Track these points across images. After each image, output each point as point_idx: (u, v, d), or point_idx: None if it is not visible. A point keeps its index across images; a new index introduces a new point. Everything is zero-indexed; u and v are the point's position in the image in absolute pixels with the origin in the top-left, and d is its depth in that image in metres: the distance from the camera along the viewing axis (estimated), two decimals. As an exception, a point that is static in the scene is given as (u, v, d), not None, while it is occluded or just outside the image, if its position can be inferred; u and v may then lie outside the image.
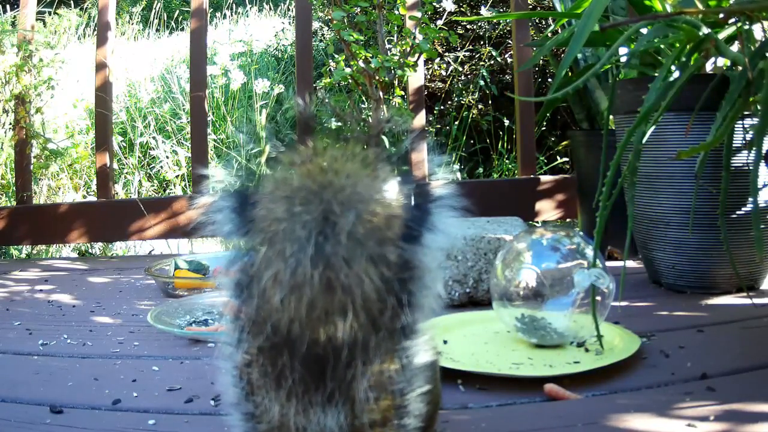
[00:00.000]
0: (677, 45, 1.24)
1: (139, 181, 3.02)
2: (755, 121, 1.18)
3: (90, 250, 2.44)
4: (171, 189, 3.09)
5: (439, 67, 3.09)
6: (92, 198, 2.78)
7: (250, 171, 0.58)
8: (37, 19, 2.30)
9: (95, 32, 2.18)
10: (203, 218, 0.57)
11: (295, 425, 0.54)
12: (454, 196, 0.56)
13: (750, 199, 1.22)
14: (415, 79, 2.05)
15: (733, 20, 1.19)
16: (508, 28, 2.94)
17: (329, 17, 1.71)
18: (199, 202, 0.58)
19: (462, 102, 2.99)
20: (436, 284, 0.56)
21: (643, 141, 1.13)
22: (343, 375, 0.53)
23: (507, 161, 2.90)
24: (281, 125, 3.39)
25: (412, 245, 0.54)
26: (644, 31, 1.27)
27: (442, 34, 1.73)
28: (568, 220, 2.16)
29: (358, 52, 1.62)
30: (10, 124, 2.23)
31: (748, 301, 1.25)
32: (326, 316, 0.52)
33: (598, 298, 1.01)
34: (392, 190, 0.55)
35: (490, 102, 3.00)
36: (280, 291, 0.52)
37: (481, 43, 3.09)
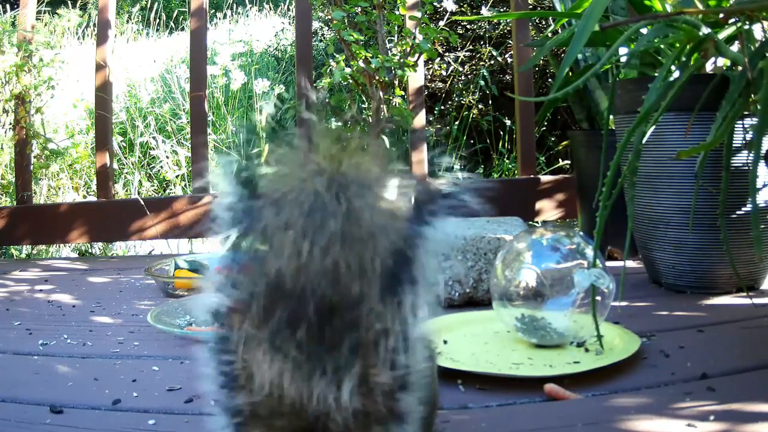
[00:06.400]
0: (677, 45, 1.24)
1: (139, 181, 3.02)
2: (755, 121, 1.18)
3: (90, 250, 2.44)
4: (171, 189, 3.09)
5: (440, 67, 3.09)
6: (92, 198, 2.78)
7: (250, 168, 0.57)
8: (37, 19, 2.30)
9: (95, 32, 2.18)
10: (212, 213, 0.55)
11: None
12: (457, 194, 0.56)
13: (750, 199, 1.22)
14: (415, 79, 2.05)
15: (733, 20, 1.19)
16: (509, 28, 2.94)
17: (329, 17, 1.71)
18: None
19: (462, 102, 2.99)
20: (436, 283, 0.55)
21: (643, 141, 1.13)
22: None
23: (507, 161, 2.90)
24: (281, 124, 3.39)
25: (418, 229, 0.54)
26: (644, 31, 1.27)
27: (442, 34, 1.72)
28: (568, 220, 2.16)
29: (358, 52, 1.62)
30: (10, 124, 2.23)
31: (748, 301, 1.25)
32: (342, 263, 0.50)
33: (598, 298, 1.01)
34: (395, 186, 0.55)
35: (490, 102, 3.00)
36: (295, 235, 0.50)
37: (482, 43, 3.09)
